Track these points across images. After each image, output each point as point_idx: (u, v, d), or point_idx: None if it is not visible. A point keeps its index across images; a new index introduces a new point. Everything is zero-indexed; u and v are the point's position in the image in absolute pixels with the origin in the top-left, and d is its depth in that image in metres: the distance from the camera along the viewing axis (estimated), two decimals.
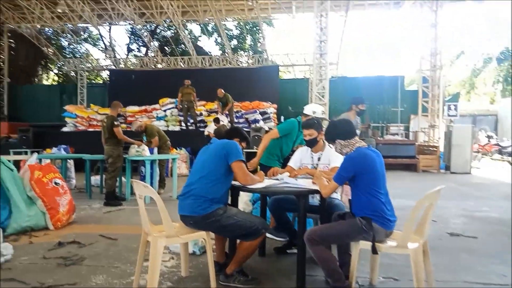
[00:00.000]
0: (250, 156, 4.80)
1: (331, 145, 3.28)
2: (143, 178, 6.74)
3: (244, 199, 4.39)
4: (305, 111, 4.10)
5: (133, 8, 15.62)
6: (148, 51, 21.46)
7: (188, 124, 12.14)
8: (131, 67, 18.90)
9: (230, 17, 17.24)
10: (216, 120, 10.36)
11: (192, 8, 15.82)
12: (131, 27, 21.46)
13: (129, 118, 13.20)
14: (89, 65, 19.85)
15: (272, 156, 4.15)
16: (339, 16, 15.56)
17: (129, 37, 23.43)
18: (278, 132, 4.11)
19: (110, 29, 21.83)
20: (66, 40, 22.44)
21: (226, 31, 19.81)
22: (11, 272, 3.00)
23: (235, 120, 12.41)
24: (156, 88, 14.57)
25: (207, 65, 17.61)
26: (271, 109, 13.51)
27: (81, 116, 13.30)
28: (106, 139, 6.07)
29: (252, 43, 22.81)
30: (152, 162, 6.43)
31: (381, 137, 13.16)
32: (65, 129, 13.25)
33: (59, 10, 15.07)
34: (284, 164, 3.87)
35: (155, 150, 6.80)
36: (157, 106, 13.62)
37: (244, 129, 11.36)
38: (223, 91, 11.62)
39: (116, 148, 6.06)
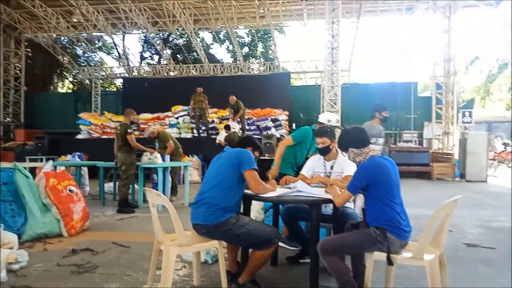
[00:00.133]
0: (263, 163, 4.80)
1: (344, 153, 3.26)
2: (155, 186, 6.79)
3: (256, 207, 4.38)
4: (320, 120, 4.13)
5: (146, 17, 15.88)
6: (161, 59, 21.75)
7: (200, 131, 12.21)
8: (144, 75, 19.17)
9: (242, 24, 17.38)
10: (227, 127, 10.40)
11: (204, 16, 16.00)
12: (144, 36, 21.79)
13: (142, 126, 13.33)
14: (103, 73, 20.20)
15: (286, 164, 4.15)
16: (351, 22, 15.56)
17: (142, 45, 23.82)
18: (292, 139, 4.11)
19: (123, 38, 22.24)
20: (81, 49, 22.91)
21: (237, 38, 19.96)
22: (26, 279, 3.04)
23: (247, 127, 12.43)
24: (169, 95, 14.74)
25: (219, 73, 17.74)
26: (282, 116, 13.50)
27: (95, 123, 13.50)
28: (119, 146, 6.14)
29: (264, 51, 22.93)
30: (165, 169, 6.47)
31: (394, 145, 13.01)
32: (79, 136, 13.46)
33: (75, 20, 15.42)
34: (298, 172, 3.86)
35: (167, 157, 6.84)
36: (169, 113, 13.75)
37: (256, 136, 11.42)
38: (235, 98, 11.68)
39: (129, 156, 6.12)
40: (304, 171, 3.54)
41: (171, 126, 13.24)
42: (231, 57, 22.91)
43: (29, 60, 20.56)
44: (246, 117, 12.54)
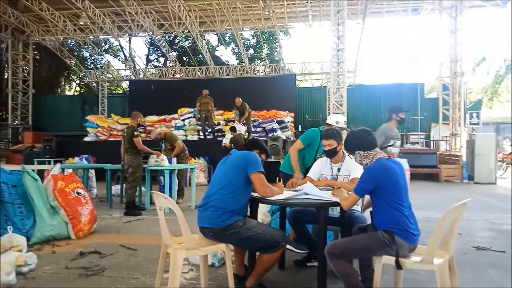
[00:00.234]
0: (269, 165, 4.81)
1: (350, 155, 3.25)
2: (162, 188, 6.81)
3: (262, 210, 4.37)
4: (328, 121, 4.20)
5: (152, 19, 15.98)
6: (167, 61, 21.84)
7: (206, 133, 12.24)
8: (150, 77, 19.27)
9: (247, 26, 17.42)
10: (233, 129, 10.41)
11: (210, 19, 16.06)
12: (150, 38, 21.92)
13: (148, 128, 13.41)
14: (110, 75, 20.35)
15: (290, 163, 4.16)
16: (356, 24, 15.52)
17: (148, 48, 23.95)
18: (302, 142, 4.13)
19: (130, 41, 22.39)
20: (88, 52, 23.12)
21: (243, 40, 20.01)
22: (35, 281, 3.06)
23: (252, 129, 12.44)
24: (175, 97, 14.81)
25: (225, 75, 17.78)
26: (288, 118, 13.49)
27: (102, 126, 13.60)
28: (126, 149, 6.17)
29: (269, 52, 22.95)
30: (171, 171, 6.49)
31: (401, 146, 12.92)
32: (86, 138, 13.56)
33: (82, 23, 15.58)
34: (306, 173, 3.87)
35: (174, 160, 6.87)
36: (175, 115, 13.81)
37: (261, 138, 11.42)
38: (241, 100, 11.70)
39: (136, 158, 6.15)
40: (311, 174, 3.53)
41: (177, 128, 13.30)
42: (237, 59, 22.97)
43: (37, 63, 20.79)
44: (252, 119, 12.55)
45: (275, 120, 13.04)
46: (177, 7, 14.24)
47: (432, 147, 13.67)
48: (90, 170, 8.05)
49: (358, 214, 3.19)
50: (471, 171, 11.06)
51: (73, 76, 25.21)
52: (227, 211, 2.62)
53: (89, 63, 23.54)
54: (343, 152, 3.39)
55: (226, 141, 10.45)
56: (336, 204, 2.73)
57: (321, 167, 3.51)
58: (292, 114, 14.09)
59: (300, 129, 14.51)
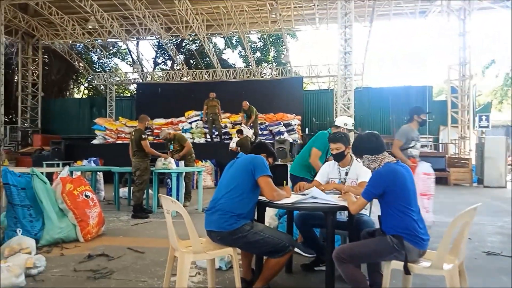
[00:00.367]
0: (276, 168, 4.80)
1: (358, 159, 3.23)
2: (169, 191, 6.83)
3: (270, 213, 4.36)
4: (336, 123, 4.21)
5: (159, 23, 16.10)
6: (174, 64, 21.98)
7: (213, 136, 12.26)
8: (158, 80, 19.40)
9: (254, 29, 17.47)
10: (240, 132, 10.42)
11: (217, 22, 16.13)
12: (157, 41, 22.07)
13: (155, 131, 13.48)
14: (118, 79, 20.52)
15: (304, 168, 4.16)
16: (363, 26, 15.48)
17: (156, 51, 24.11)
18: (319, 150, 4.10)
19: (137, 44, 22.57)
20: (96, 55, 23.35)
21: (250, 43, 20.05)
22: (43, 284, 3.08)
23: (259, 132, 12.44)
24: (182, 100, 14.88)
25: (231, 78, 17.83)
26: (295, 120, 13.47)
27: (110, 128, 13.70)
28: (134, 152, 6.21)
29: (276, 55, 22.97)
30: (179, 174, 6.51)
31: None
32: (94, 141, 13.67)
33: (90, 27, 15.75)
34: (315, 176, 3.87)
35: (181, 163, 6.89)
36: (183, 118, 13.87)
37: (268, 141, 11.40)
38: (248, 103, 11.71)
39: (143, 161, 6.18)
40: (318, 177, 3.51)
41: (184, 131, 13.34)
42: (244, 62, 23.03)
43: (46, 67, 21.05)
44: (259, 122, 12.56)
45: (282, 123, 13.02)
46: (184, 10, 14.34)
47: (440, 150, 13.55)
48: (98, 172, 8.10)
49: (366, 218, 3.17)
50: (481, 175, 10.93)
51: (81, 79, 25.48)
52: (234, 214, 2.61)
53: (97, 67, 23.78)
54: (351, 155, 3.37)
55: (232, 144, 10.46)
56: (344, 208, 2.72)
57: (328, 170, 3.50)
58: (299, 117, 14.07)
59: (307, 132, 14.47)
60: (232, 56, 32.44)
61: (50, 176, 6.86)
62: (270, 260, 2.67)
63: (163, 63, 24.91)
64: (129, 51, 23.92)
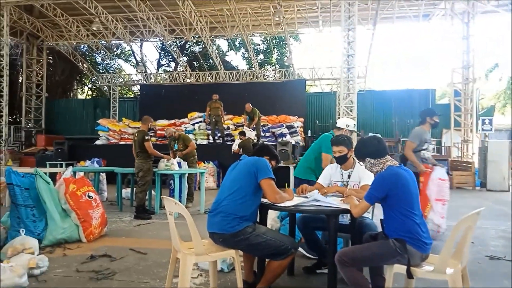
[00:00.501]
0: (278, 170, 4.81)
1: (361, 163, 3.23)
2: (172, 192, 6.85)
3: (272, 215, 4.35)
4: (338, 125, 4.24)
5: (163, 25, 16.16)
6: (177, 66, 22.04)
7: (216, 137, 12.28)
8: (161, 81, 19.46)
9: (257, 32, 17.50)
10: (242, 133, 10.43)
11: (220, 24, 16.18)
12: (161, 43, 22.15)
13: (159, 132, 13.52)
14: (121, 80, 20.60)
15: (308, 170, 4.18)
16: (367, 29, 15.48)
17: (159, 53, 24.19)
18: (329, 153, 4.06)
19: (141, 45, 22.66)
20: (100, 56, 23.45)
21: (253, 46, 20.09)
22: (46, 284, 3.09)
23: (262, 134, 12.45)
24: (185, 102, 14.92)
25: (234, 80, 17.86)
26: (297, 123, 13.48)
27: (113, 129, 13.75)
28: (137, 153, 6.23)
29: (279, 58, 22.99)
30: (181, 176, 6.52)
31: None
32: (98, 142, 13.71)
33: (94, 28, 15.84)
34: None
35: (184, 164, 6.91)
36: (185, 120, 13.90)
37: (271, 143, 11.40)
38: (251, 105, 11.72)
39: (146, 162, 6.20)
40: (321, 180, 3.51)
41: (187, 132, 13.36)
42: (247, 64, 23.06)
43: (50, 67, 21.16)
44: (262, 123, 12.57)
45: (284, 125, 13.03)
46: (188, 13, 14.39)
47: (443, 154, 13.50)
48: (101, 173, 8.13)
49: (368, 222, 3.16)
50: (484, 178, 10.89)
51: (85, 80, 25.58)
52: (236, 217, 2.62)
53: (101, 68, 23.87)
54: (353, 158, 3.37)
55: (235, 147, 10.47)
56: (346, 211, 2.72)
57: (331, 173, 3.49)
58: (302, 119, 14.07)
59: (309, 134, 14.47)
60: (235, 58, 32.56)
61: (53, 176, 6.87)
62: (272, 262, 2.67)
63: (166, 65, 24.99)
64: (133, 52, 24.03)
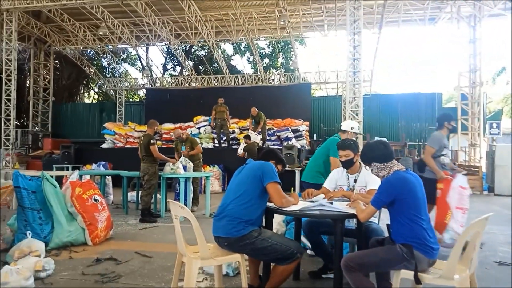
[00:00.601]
0: (283, 174, 4.80)
1: (367, 167, 3.21)
2: (177, 195, 6.86)
3: (277, 219, 4.34)
4: (343, 127, 4.24)
5: (169, 29, 16.26)
6: (183, 70, 22.14)
7: (221, 141, 12.29)
8: (167, 85, 19.54)
9: (263, 36, 17.53)
10: (247, 137, 10.43)
11: (226, 28, 16.24)
12: (167, 48, 22.28)
13: (164, 136, 13.57)
14: (127, 84, 20.73)
15: (318, 174, 4.20)
16: (372, 33, 15.45)
17: (165, 57, 24.31)
18: (337, 157, 4.07)
19: (147, 50, 22.78)
20: (106, 61, 23.60)
21: (258, 50, 20.13)
22: (52, 286, 3.10)
23: (267, 138, 12.44)
24: (191, 106, 14.98)
25: (240, 84, 17.89)
26: (303, 126, 13.45)
27: (119, 133, 13.82)
28: (142, 156, 6.26)
29: (284, 61, 23.01)
30: (187, 179, 6.53)
31: (418, 156, 12.71)
32: (104, 145, 13.79)
33: (101, 33, 15.98)
34: None
35: (190, 168, 6.92)
36: (191, 123, 13.93)
37: (276, 146, 11.37)
38: (256, 109, 11.74)
39: (152, 166, 6.22)
40: (327, 184, 3.50)
41: (193, 136, 13.38)
42: (252, 68, 23.10)
43: (57, 72, 21.35)
44: (267, 127, 12.56)
45: (290, 129, 13.01)
46: (194, 17, 14.47)
47: (450, 158, 13.40)
48: (107, 176, 8.16)
49: (375, 226, 3.14)
50: (491, 183, 10.78)
51: (91, 84, 25.78)
52: (242, 221, 2.61)
53: (107, 72, 24.04)
54: (359, 162, 3.35)
55: (240, 150, 10.47)
56: (353, 216, 2.70)
57: (337, 177, 3.48)
58: (307, 123, 14.04)
59: (315, 138, 14.43)
60: (241, 62, 32.61)
61: (59, 179, 6.93)
62: (277, 267, 2.66)
63: (172, 69, 25.11)
64: (139, 57, 24.17)
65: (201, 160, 7.61)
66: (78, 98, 24.83)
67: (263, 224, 2.91)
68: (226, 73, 18.16)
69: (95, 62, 22.62)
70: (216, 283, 2.96)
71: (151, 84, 19.78)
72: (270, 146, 11.60)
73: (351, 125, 4.32)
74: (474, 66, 13.46)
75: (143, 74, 21.06)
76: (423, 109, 14.77)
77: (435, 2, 13.83)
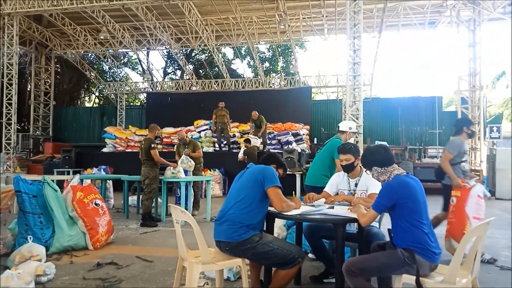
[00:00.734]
0: (283, 178, 4.81)
1: (367, 171, 3.21)
2: (178, 199, 6.85)
3: (278, 223, 4.34)
4: (341, 128, 4.26)
5: (169, 33, 16.32)
6: (184, 74, 22.19)
7: (222, 145, 12.30)
8: (167, 89, 19.57)
9: (263, 40, 17.59)
10: (247, 141, 10.43)
11: (226, 32, 16.29)
12: (167, 52, 22.34)
13: (165, 139, 13.57)
14: (128, 88, 20.78)
15: (321, 177, 4.18)
16: (372, 37, 15.49)
17: (166, 61, 24.37)
18: (337, 159, 4.07)
19: (148, 54, 22.86)
20: (107, 65, 23.68)
21: (258, 54, 20.18)
22: None
23: (268, 142, 12.44)
24: (191, 110, 15.00)
25: (240, 87, 17.92)
26: (303, 130, 13.45)
27: (119, 137, 13.81)
28: (143, 160, 6.26)
29: (284, 65, 23.06)
30: (187, 183, 6.53)
31: (419, 160, 12.70)
32: (104, 149, 13.78)
33: (102, 37, 16.04)
34: None
35: (190, 172, 6.92)
36: (192, 127, 13.93)
37: (277, 150, 11.35)
38: (257, 113, 11.75)
39: (152, 170, 6.22)
40: (327, 188, 3.50)
41: (193, 140, 13.39)
42: (252, 72, 23.15)
43: (58, 76, 21.39)
44: (268, 131, 12.57)
45: (290, 133, 13.01)
46: (194, 21, 14.52)
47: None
48: (108, 180, 8.16)
49: (376, 231, 3.14)
50: (492, 187, 10.77)
51: (92, 89, 25.82)
52: (243, 225, 2.61)
53: (108, 76, 24.09)
54: (360, 167, 3.35)
55: (241, 155, 10.46)
56: (354, 220, 2.70)
57: (338, 181, 3.48)
58: (308, 127, 14.04)
59: (315, 141, 14.43)
60: (241, 66, 32.68)
61: (60, 184, 6.92)
62: (279, 271, 2.66)
63: (172, 73, 25.16)
64: (140, 61, 24.24)
65: (202, 164, 7.61)
66: (79, 102, 24.87)
67: (264, 228, 2.91)
68: (226, 77, 18.20)
69: (96, 66, 22.68)
70: None
71: (151, 88, 19.81)
72: (271, 150, 11.60)
73: (348, 125, 4.35)
74: (474, 70, 13.47)
75: (143, 78, 21.10)
76: (423, 113, 14.77)
77: (434, 6, 13.88)
